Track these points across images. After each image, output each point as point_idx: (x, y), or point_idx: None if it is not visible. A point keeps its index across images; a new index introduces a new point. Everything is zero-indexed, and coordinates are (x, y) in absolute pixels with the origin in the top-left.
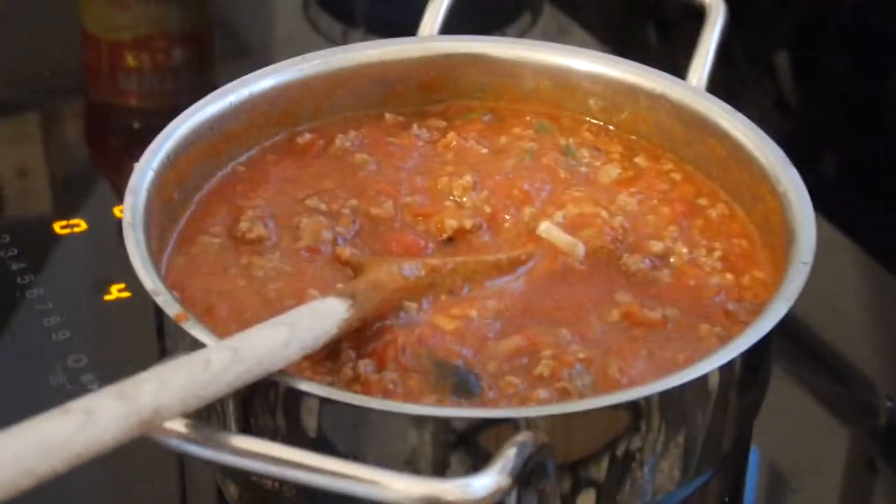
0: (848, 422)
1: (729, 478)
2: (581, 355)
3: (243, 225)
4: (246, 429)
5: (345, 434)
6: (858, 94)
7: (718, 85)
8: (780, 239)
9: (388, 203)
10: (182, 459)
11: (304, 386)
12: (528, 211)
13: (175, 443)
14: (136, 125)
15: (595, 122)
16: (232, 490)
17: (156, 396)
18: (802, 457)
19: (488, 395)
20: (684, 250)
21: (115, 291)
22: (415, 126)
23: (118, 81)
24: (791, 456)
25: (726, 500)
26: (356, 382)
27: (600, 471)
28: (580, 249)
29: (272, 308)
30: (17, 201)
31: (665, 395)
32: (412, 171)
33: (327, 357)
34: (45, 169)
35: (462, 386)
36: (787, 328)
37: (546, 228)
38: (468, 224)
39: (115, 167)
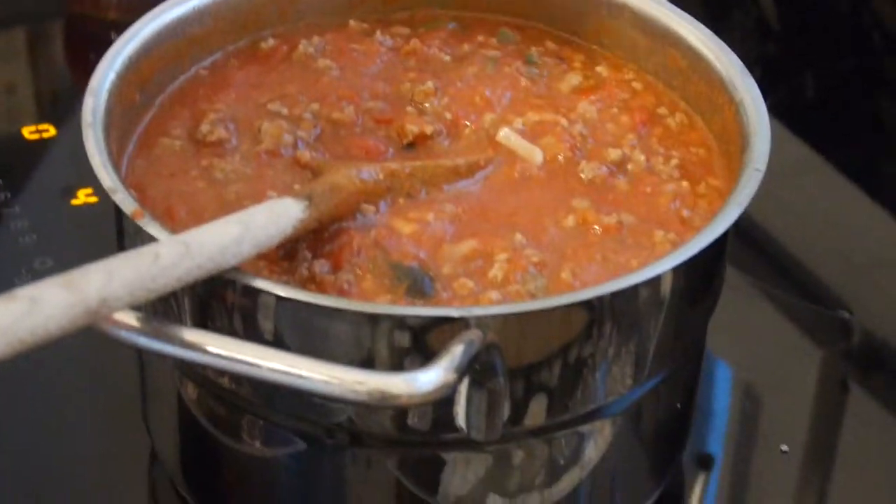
0: (821, 340)
1: (682, 382)
2: (535, 259)
3: (204, 128)
4: (201, 325)
5: (298, 332)
6: (838, 16)
7: (699, 7)
8: (737, 148)
9: (349, 108)
10: (142, 363)
11: (260, 283)
12: (488, 118)
13: (125, 335)
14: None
15: (557, 31)
16: (190, 391)
17: (103, 287)
18: (774, 375)
19: (442, 297)
20: (642, 158)
21: (83, 196)
22: (378, 33)
23: None
24: (763, 374)
25: (680, 407)
26: (311, 282)
27: (552, 374)
28: (538, 156)
29: (231, 210)
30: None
31: (616, 297)
32: (374, 77)
33: (284, 257)
34: (30, 85)
35: (416, 287)
36: (760, 246)
37: (505, 134)
38: (428, 130)
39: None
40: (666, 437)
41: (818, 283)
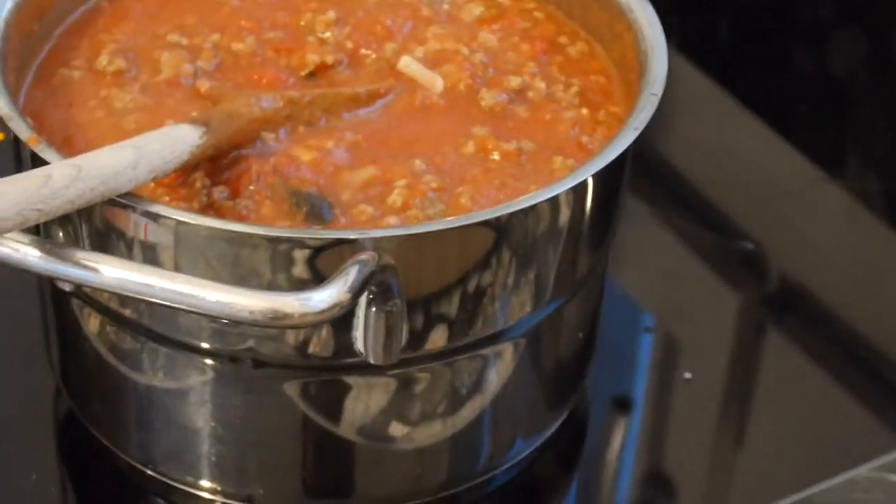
0: (727, 273)
1: (583, 309)
2: (434, 185)
3: (103, 58)
4: (99, 251)
5: (197, 257)
6: None
7: None
8: (636, 75)
9: (250, 38)
10: (42, 294)
11: (158, 208)
12: (389, 47)
13: (15, 256)
14: None
15: None
16: (92, 322)
17: None
18: (691, 316)
19: (341, 223)
20: (542, 86)
21: None
22: None
23: None
24: (679, 316)
25: (581, 335)
26: (210, 209)
27: (451, 298)
28: (439, 84)
29: (129, 138)
30: None
31: (512, 218)
32: (275, 8)
33: (182, 185)
34: None
35: (314, 213)
36: (667, 179)
37: (406, 63)
38: (329, 59)
39: None
40: (568, 365)
41: (723, 215)
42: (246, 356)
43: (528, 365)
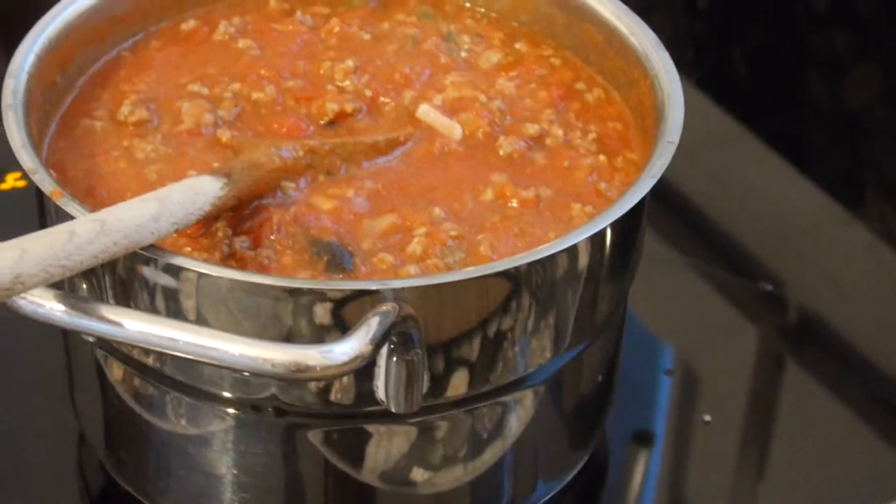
0: (757, 318)
1: (603, 352)
2: (453, 233)
3: (125, 108)
4: (123, 304)
5: (219, 308)
6: None
7: None
8: (653, 121)
9: (269, 87)
10: (67, 343)
11: (180, 260)
12: (408, 95)
13: (41, 312)
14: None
15: (477, 9)
16: (115, 370)
17: (16, 263)
18: (712, 352)
19: (361, 272)
20: (560, 132)
21: (11, 180)
22: (298, 12)
23: None
24: (701, 352)
25: (601, 378)
26: (232, 259)
27: (471, 346)
28: (457, 131)
29: (152, 188)
30: None
31: (532, 267)
32: (295, 57)
33: (204, 235)
34: None
35: (335, 262)
36: (687, 218)
37: (424, 111)
38: (349, 108)
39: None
40: (588, 408)
41: (743, 252)
42: (267, 404)
43: (548, 410)
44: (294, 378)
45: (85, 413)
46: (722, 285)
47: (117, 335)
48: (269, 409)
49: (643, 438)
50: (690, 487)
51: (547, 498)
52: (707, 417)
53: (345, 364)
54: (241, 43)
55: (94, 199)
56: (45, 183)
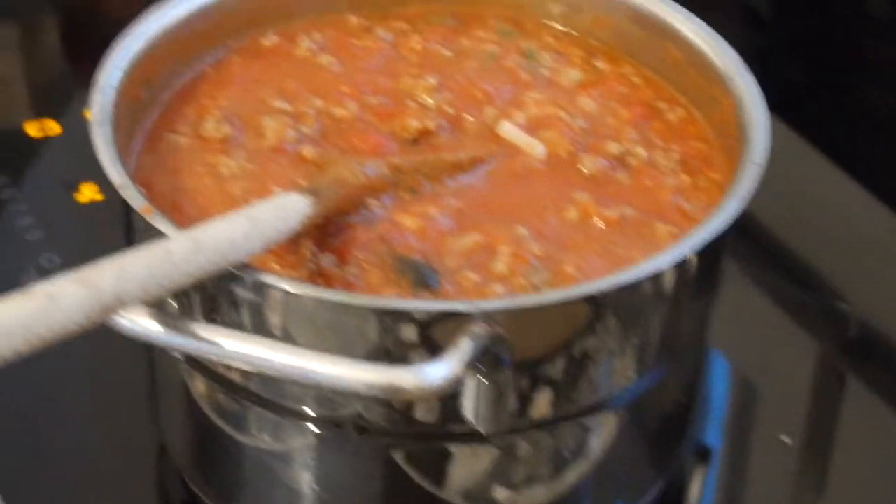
0: (817, 333)
1: (685, 377)
2: (538, 252)
3: (209, 124)
4: (211, 321)
5: (307, 326)
6: (824, 3)
7: None
8: (736, 141)
9: (351, 104)
10: (151, 357)
11: (270, 279)
12: (489, 112)
13: (139, 331)
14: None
15: (556, 26)
16: (199, 385)
17: (117, 283)
18: (771, 367)
19: (446, 290)
20: (642, 152)
21: (88, 192)
22: (379, 28)
23: None
24: (760, 366)
25: (682, 400)
26: (319, 276)
27: (557, 367)
28: (540, 149)
29: (237, 206)
30: None
31: (620, 290)
32: (375, 73)
33: (290, 252)
34: (24, 78)
35: (421, 280)
36: (754, 236)
37: (506, 128)
38: (431, 125)
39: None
40: (668, 429)
41: (812, 272)
42: (351, 422)
43: (630, 430)
44: (388, 399)
45: (167, 427)
46: (786, 299)
47: (214, 354)
48: (353, 427)
49: (708, 455)
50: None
51: None
52: (786, 440)
53: (439, 386)
54: (323, 59)
55: (180, 215)
56: (135, 199)
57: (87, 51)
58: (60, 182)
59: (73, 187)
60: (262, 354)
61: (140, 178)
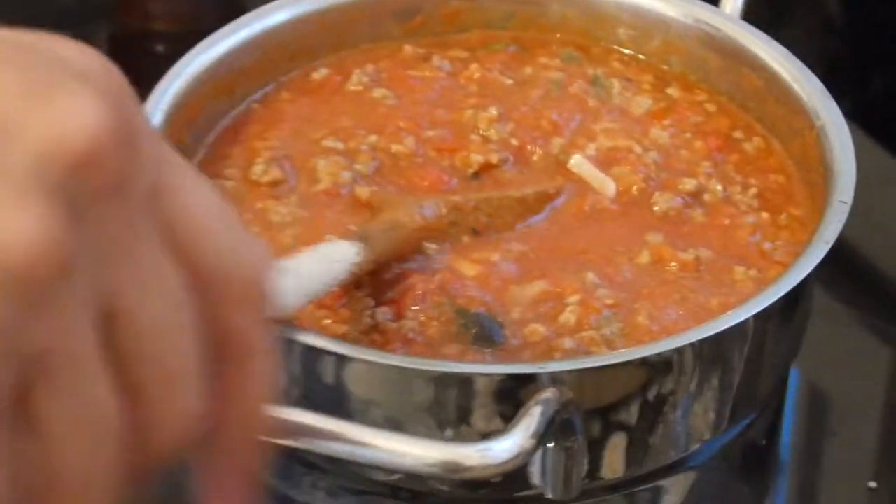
0: (892, 343)
1: (766, 422)
2: (609, 301)
3: (258, 167)
4: None
5: (360, 392)
6: None
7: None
8: (819, 175)
9: (409, 138)
10: None
11: (320, 342)
12: (557, 143)
13: None
14: (161, 49)
15: (625, 51)
16: None
17: None
18: (844, 379)
19: (512, 344)
20: (718, 188)
21: None
22: (436, 57)
23: (146, 4)
24: (832, 378)
25: (763, 443)
26: (374, 331)
27: (630, 428)
28: (611, 188)
29: (287, 255)
30: None
31: (697, 346)
32: (434, 105)
33: (345, 306)
34: None
35: (484, 335)
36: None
37: (578, 162)
38: (494, 158)
39: (142, 94)
40: (749, 483)
41: (880, 276)
42: (408, 489)
43: (708, 488)
44: (450, 477)
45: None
46: (863, 318)
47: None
48: (408, 494)
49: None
50: None
51: None
52: (872, 484)
53: (505, 462)
54: (377, 92)
55: None
56: None
57: (135, 68)
58: None
59: None
60: (319, 432)
61: None
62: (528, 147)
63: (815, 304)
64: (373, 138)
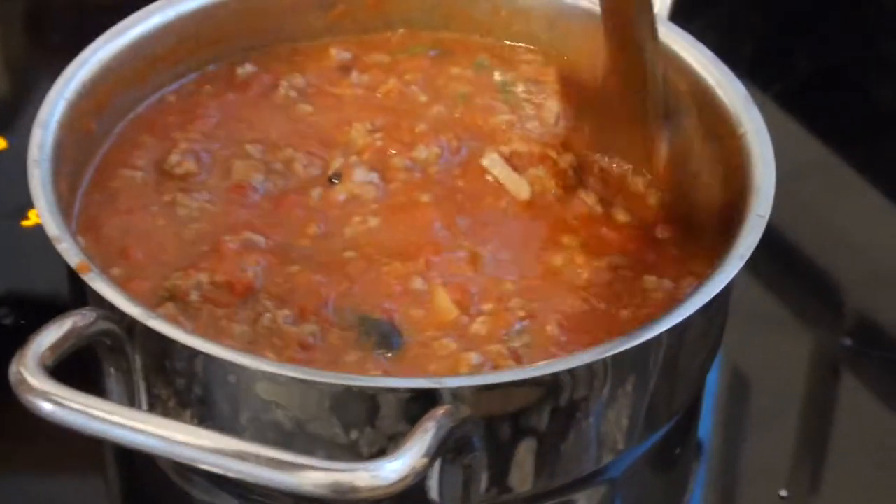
0: (812, 326)
1: (679, 431)
2: (521, 313)
3: (174, 158)
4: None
5: (248, 403)
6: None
7: None
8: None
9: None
10: None
11: (210, 348)
12: (470, 146)
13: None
14: (78, 23)
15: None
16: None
17: None
18: (765, 361)
19: (413, 353)
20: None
21: (34, 217)
22: (354, 73)
23: None
24: (753, 359)
25: (678, 451)
26: (274, 335)
27: (534, 445)
28: (525, 189)
29: (188, 251)
30: None
31: (607, 361)
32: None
33: (243, 306)
34: None
35: (384, 342)
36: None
37: (490, 162)
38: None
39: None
40: (663, 489)
41: (807, 264)
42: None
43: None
44: (340, 500)
45: (123, 499)
46: (778, 292)
47: (144, 447)
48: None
49: (698, 449)
50: None
51: None
52: (783, 493)
53: (395, 483)
54: (301, 108)
55: (128, 262)
56: (71, 254)
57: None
58: (4, 202)
59: (19, 210)
60: (192, 447)
61: (87, 219)
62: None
63: (740, 288)
64: (289, 152)
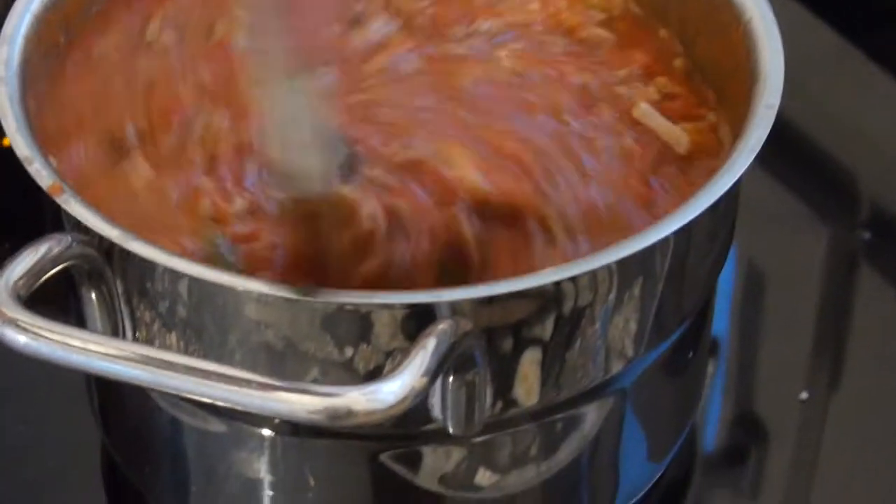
0: (828, 220)
1: (693, 333)
2: None
3: (154, 25)
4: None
5: (244, 321)
6: None
7: None
8: (745, 73)
9: None
10: None
11: (195, 270)
12: None
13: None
14: None
15: None
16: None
17: None
18: (781, 259)
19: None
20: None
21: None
22: None
23: None
24: (769, 258)
25: (691, 355)
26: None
27: (540, 357)
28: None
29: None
30: None
31: (612, 266)
32: None
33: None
34: None
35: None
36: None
37: (646, 111)
38: None
39: None
40: (674, 409)
41: (821, 155)
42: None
43: (628, 414)
44: (333, 425)
45: (109, 426)
46: (792, 184)
47: (123, 377)
48: (311, 431)
49: (716, 347)
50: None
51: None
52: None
53: (393, 406)
54: None
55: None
56: (43, 176)
57: None
58: None
59: None
60: (188, 379)
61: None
62: None
63: (752, 183)
64: None
